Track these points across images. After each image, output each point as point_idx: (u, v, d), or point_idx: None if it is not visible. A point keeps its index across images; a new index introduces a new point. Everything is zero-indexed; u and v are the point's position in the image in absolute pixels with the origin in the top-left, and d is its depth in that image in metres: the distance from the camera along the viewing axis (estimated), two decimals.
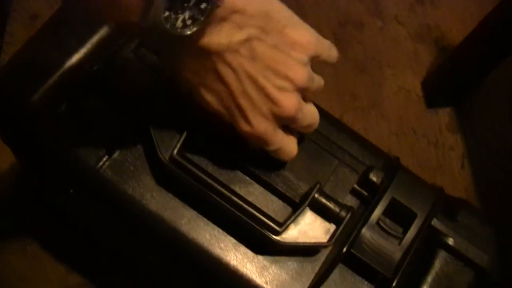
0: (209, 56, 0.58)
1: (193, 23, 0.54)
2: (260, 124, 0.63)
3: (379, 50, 1.42)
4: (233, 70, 0.59)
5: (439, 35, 1.47)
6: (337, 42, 1.39)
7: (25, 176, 1.12)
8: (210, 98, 0.62)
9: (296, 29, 0.61)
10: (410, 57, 1.43)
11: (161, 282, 1.00)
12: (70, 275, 1.10)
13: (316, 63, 0.65)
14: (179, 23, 0.53)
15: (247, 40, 0.58)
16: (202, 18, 0.54)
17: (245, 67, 0.59)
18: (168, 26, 0.53)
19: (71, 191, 0.77)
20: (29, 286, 1.09)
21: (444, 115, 1.38)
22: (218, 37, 0.56)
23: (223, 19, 0.55)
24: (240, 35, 0.57)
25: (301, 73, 0.62)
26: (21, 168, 1.10)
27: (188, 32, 0.54)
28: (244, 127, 0.63)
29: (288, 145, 0.68)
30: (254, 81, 0.60)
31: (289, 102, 0.62)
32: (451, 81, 1.34)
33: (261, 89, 0.61)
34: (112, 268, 1.10)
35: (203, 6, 0.53)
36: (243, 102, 0.61)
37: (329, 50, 0.67)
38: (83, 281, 1.10)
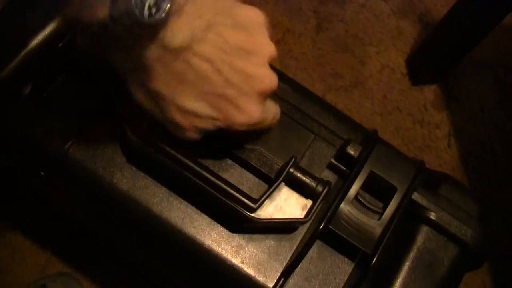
0: (179, 54, 0.56)
1: (158, 11, 0.52)
2: (254, 108, 0.61)
3: (362, 27, 1.40)
4: (209, 61, 0.57)
5: (423, 10, 1.45)
6: (318, 20, 1.37)
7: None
8: (197, 105, 0.59)
9: (241, 8, 0.60)
10: (394, 34, 1.41)
11: (139, 265, 0.98)
12: (51, 263, 1.08)
13: None
14: (146, 11, 0.52)
15: (209, 26, 0.56)
16: (168, 4, 0.52)
17: (219, 54, 0.57)
18: (137, 13, 0.51)
19: (42, 173, 0.75)
20: (11, 278, 1.07)
21: (429, 92, 1.36)
22: (180, 31, 0.55)
23: (178, 13, 0.54)
24: (200, 22, 0.56)
25: (270, 46, 0.61)
26: None
27: (157, 17, 0.52)
28: (240, 118, 0.60)
29: (275, 111, 0.66)
30: (233, 66, 0.58)
31: (270, 74, 0.61)
32: (435, 57, 1.32)
33: (241, 72, 0.59)
34: (92, 254, 1.08)
35: None
36: (230, 92, 0.59)
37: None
38: (64, 268, 1.08)
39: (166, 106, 0.58)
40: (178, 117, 0.59)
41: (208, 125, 0.60)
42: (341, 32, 1.38)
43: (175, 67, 0.56)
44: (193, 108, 0.58)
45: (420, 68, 1.37)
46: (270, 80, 0.61)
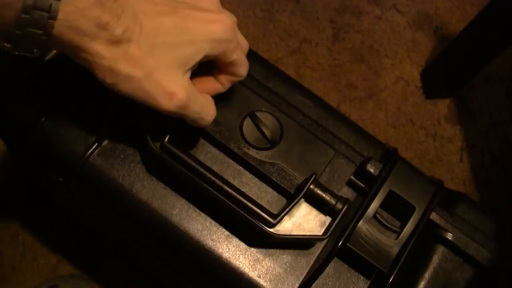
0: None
1: None
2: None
3: (377, 39, 1.40)
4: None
5: (439, 24, 1.45)
6: (335, 30, 1.37)
7: (16, 165, 1.11)
8: None
9: None
10: (409, 46, 1.41)
11: (153, 272, 0.98)
12: (62, 265, 1.09)
13: None
14: None
15: None
16: None
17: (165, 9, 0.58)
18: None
19: (60, 179, 0.75)
20: (21, 277, 1.08)
21: (443, 106, 1.36)
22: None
23: None
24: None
25: None
26: (11, 158, 1.08)
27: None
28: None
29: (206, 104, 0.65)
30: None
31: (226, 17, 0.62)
32: (450, 71, 1.32)
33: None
34: (104, 258, 1.09)
35: None
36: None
37: None
38: (75, 271, 1.08)
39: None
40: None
41: None
42: (357, 43, 1.38)
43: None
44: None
45: (435, 81, 1.37)
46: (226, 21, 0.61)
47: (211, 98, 0.65)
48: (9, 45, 0.53)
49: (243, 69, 0.65)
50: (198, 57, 0.59)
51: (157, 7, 0.58)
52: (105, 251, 1.08)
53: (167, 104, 0.58)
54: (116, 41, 0.54)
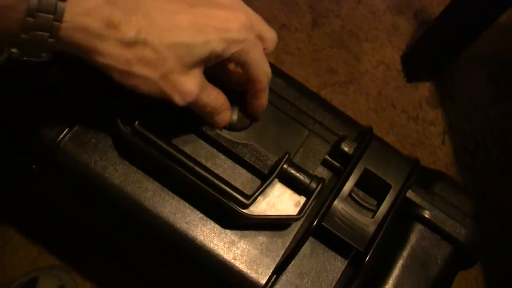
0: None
1: None
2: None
3: (357, 23, 1.40)
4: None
5: (419, 7, 1.45)
6: (314, 15, 1.37)
7: None
8: None
9: None
10: (389, 30, 1.41)
11: (132, 259, 0.98)
12: (43, 256, 1.08)
13: None
14: None
15: None
16: None
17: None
18: None
19: (33, 166, 0.74)
20: (1, 269, 1.07)
21: (424, 89, 1.36)
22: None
23: None
24: None
25: None
26: None
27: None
28: None
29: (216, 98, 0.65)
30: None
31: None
32: (430, 54, 1.32)
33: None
34: (84, 248, 1.08)
35: None
36: None
37: None
38: (56, 262, 1.08)
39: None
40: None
41: None
42: (337, 28, 1.38)
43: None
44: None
45: (416, 65, 1.36)
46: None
47: (220, 92, 0.65)
48: (16, 51, 0.52)
49: (259, 71, 0.64)
50: (212, 56, 0.58)
51: (173, 5, 0.56)
52: (85, 241, 1.07)
53: (181, 101, 0.59)
54: (129, 43, 0.53)
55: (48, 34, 0.50)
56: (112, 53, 0.53)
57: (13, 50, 0.51)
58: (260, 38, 0.63)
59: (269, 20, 1.31)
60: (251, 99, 0.68)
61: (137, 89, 0.57)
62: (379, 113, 1.31)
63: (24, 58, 0.52)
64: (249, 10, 0.63)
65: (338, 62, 1.34)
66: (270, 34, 0.66)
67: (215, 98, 0.64)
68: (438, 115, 1.34)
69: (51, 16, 0.49)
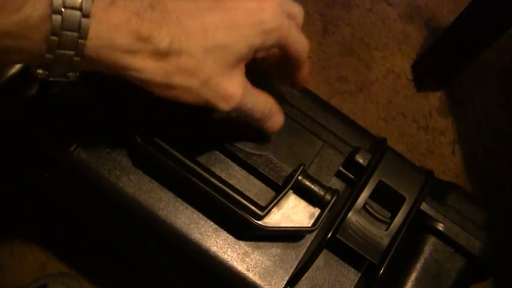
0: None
1: None
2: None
3: (368, 31, 1.39)
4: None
5: (430, 16, 1.44)
6: (324, 23, 1.36)
7: (1, 162, 1.10)
8: None
9: None
10: (400, 39, 1.40)
11: (144, 268, 0.97)
12: (52, 263, 1.07)
13: None
14: None
15: None
16: None
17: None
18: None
19: (46, 174, 0.74)
20: (10, 276, 1.07)
21: (435, 98, 1.35)
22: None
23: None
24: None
25: None
26: None
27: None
28: None
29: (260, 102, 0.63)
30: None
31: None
32: (441, 63, 1.31)
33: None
34: (94, 255, 1.08)
35: None
36: None
37: None
38: (65, 268, 1.07)
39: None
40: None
41: None
42: (347, 36, 1.37)
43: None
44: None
45: (426, 74, 1.36)
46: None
47: (268, 95, 0.63)
48: (42, 71, 0.50)
49: (299, 48, 0.62)
50: (251, 52, 0.57)
51: (198, 4, 0.55)
52: (95, 248, 1.07)
53: (226, 106, 0.57)
54: (164, 54, 0.52)
55: (73, 52, 0.49)
56: (147, 67, 0.52)
57: (39, 71, 0.50)
58: (290, 15, 0.61)
59: None
60: (295, 72, 0.66)
61: (179, 100, 0.55)
62: (389, 122, 1.31)
63: (51, 79, 0.51)
64: None
65: (348, 70, 1.34)
66: (297, 9, 0.63)
67: (263, 101, 0.62)
68: (448, 124, 1.33)
69: (75, 34, 0.47)
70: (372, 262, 0.67)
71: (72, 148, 0.68)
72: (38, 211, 1.08)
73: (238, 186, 0.67)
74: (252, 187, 0.69)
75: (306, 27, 1.33)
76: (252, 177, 0.69)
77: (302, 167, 0.67)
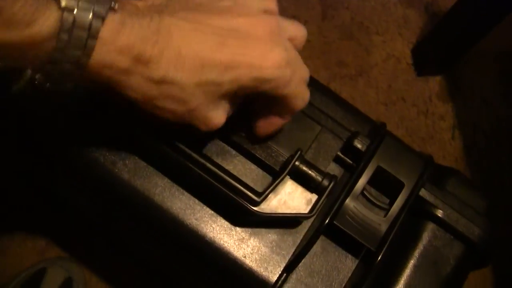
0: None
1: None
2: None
3: (368, 15, 1.39)
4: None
5: (430, 0, 1.43)
6: (324, 7, 1.35)
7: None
8: None
9: None
10: (400, 23, 1.39)
11: (141, 253, 0.97)
12: (50, 248, 1.07)
13: None
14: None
15: None
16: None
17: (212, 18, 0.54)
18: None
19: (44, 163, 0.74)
20: (10, 260, 1.07)
21: (435, 83, 1.35)
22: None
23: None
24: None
25: None
26: None
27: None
28: None
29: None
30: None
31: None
32: (441, 47, 1.30)
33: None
34: (92, 240, 1.08)
35: None
36: None
37: None
38: (63, 253, 1.07)
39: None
40: None
41: None
42: (347, 20, 1.37)
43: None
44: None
45: (426, 58, 1.35)
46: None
47: None
48: (39, 77, 0.50)
49: (298, 102, 0.61)
50: (242, 93, 0.57)
51: (206, 39, 0.53)
52: (93, 233, 1.07)
53: (208, 129, 0.58)
54: (157, 81, 0.52)
55: (75, 67, 0.48)
56: (138, 88, 0.52)
57: (38, 76, 0.50)
58: (291, 38, 0.60)
59: (279, 12, 1.30)
60: (276, 115, 0.64)
61: (164, 117, 0.56)
62: (389, 106, 1.30)
63: (47, 85, 0.51)
64: (286, 46, 0.58)
65: (348, 54, 1.33)
66: (300, 32, 0.62)
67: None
68: (448, 109, 1.33)
69: (79, 52, 0.47)
70: (369, 249, 0.66)
71: (67, 135, 0.67)
72: (37, 197, 1.08)
73: (234, 172, 0.66)
74: (249, 172, 0.68)
75: (306, 11, 1.32)
76: (248, 162, 0.68)
77: (299, 152, 0.66)
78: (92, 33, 0.47)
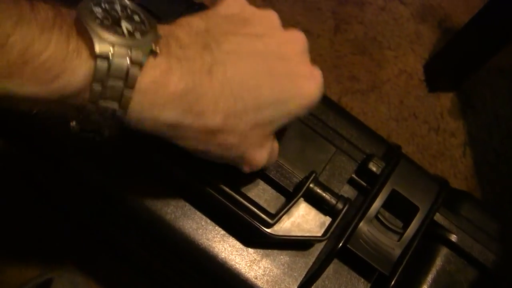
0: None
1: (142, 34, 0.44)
2: None
3: (380, 30, 1.38)
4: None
5: (443, 16, 1.43)
6: (337, 21, 1.35)
7: (9, 158, 1.09)
8: None
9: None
10: (412, 38, 1.39)
11: (150, 270, 0.96)
12: (58, 259, 1.07)
13: None
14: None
15: (207, 31, 0.49)
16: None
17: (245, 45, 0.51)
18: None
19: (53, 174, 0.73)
20: (16, 270, 1.06)
21: (446, 100, 1.34)
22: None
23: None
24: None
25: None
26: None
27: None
28: None
29: None
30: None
31: None
32: (454, 64, 1.30)
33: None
34: (100, 253, 1.07)
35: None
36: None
37: None
38: (70, 266, 1.07)
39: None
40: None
41: None
42: (360, 34, 1.36)
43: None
44: None
45: (438, 74, 1.35)
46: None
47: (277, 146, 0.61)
48: (75, 125, 0.45)
49: None
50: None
51: (257, 77, 0.50)
52: (101, 247, 1.06)
53: (248, 170, 0.57)
54: (213, 131, 0.48)
55: (111, 121, 0.44)
56: (192, 139, 0.49)
57: (73, 124, 0.45)
58: None
59: (291, 25, 1.29)
60: None
61: (207, 158, 0.53)
62: (400, 122, 1.29)
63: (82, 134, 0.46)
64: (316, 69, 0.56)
65: (360, 69, 1.32)
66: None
67: (274, 158, 0.62)
68: (460, 126, 1.32)
69: (115, 104, 0.43)
70: (382, 273, 0.65)
71: (77, 151, 0.66)
72: (45, 207, 1.07)
73: (247, 192, 0.66)
74: (262, 194, 0.67)
75: (318, 25, 1.32)
76: (262, 183, 0.68)
77: (313, 175, 0.66)
78: (129, 83, 0.42)
